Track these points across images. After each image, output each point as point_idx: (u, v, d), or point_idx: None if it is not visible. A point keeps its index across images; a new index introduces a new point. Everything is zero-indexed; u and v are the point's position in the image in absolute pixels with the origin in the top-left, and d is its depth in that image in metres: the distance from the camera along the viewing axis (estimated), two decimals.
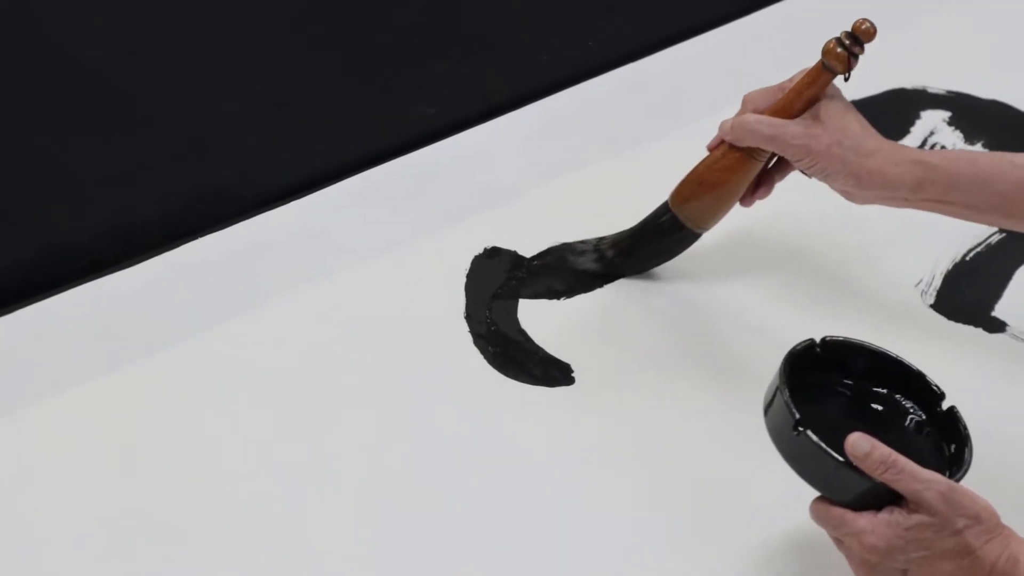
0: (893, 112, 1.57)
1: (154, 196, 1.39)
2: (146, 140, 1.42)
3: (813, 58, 1.15)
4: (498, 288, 1.32)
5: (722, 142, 1.20)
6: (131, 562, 1.06)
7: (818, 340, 1.03)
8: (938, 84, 1.61)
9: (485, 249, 1.36)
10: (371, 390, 1.21)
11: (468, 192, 1.44)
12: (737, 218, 1.25)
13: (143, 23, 1.54)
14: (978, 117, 1.57)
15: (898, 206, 1.17)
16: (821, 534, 0.99)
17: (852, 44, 1.14)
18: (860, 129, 1.14)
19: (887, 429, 1.00)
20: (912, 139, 1.53)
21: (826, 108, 1.14)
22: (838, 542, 0.97)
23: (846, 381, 1.05)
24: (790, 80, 1.18)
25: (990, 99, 1.59)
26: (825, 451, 0.93)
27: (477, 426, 1.19)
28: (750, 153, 1.19)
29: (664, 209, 1.26)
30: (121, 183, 1.38)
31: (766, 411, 0.98)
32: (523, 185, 1.45)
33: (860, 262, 1.37)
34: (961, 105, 1.58)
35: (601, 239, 1.33)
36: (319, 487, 1.12)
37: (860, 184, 1.13)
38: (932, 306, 1.32)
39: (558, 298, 1.31)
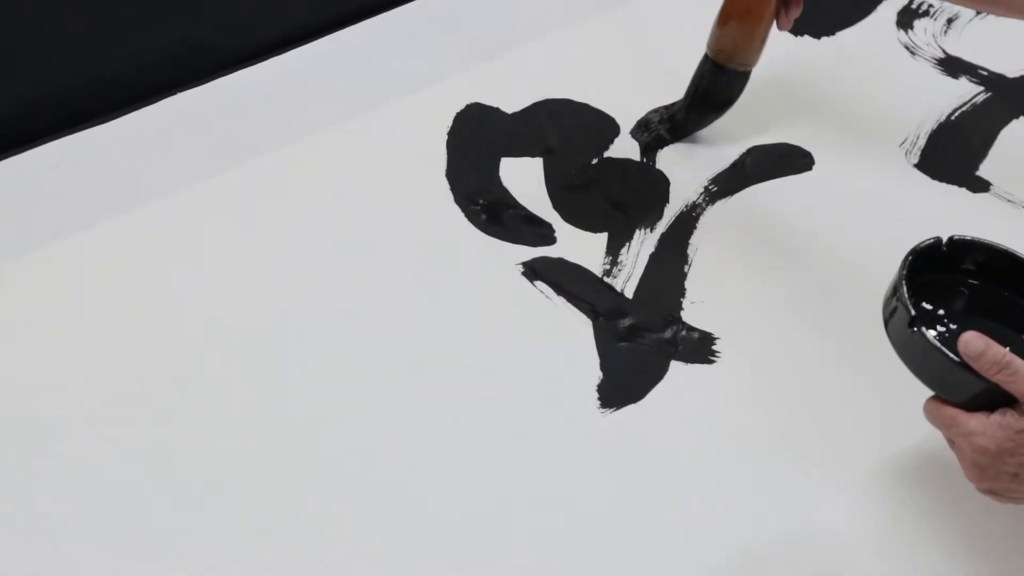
0: None
1: (134, 50, 1.38)
2: None
3: None
4: (481, 145, 1.32)
5: None
6: (121, 416, 1.07)
7: (944, 239, 0.98)
8: None
9: (467, 106, 1.35)
10: (351, 248, 1.21)
11: (451, 49, 1.43)
12: None
13: None
14: None
15: None
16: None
17: None
18: None
19: (1009, 331, 0.96)
20: None
21: None
22: (950, 443, 0.93)
23: (971, 281, 0.99)
24: None
25: None
26: (939, 350, 0.89)
27: (458, 282, 1.19)
28: None
29: (703, 60, 1.28)
30: (102, 36, 1.36)
31: (884, 308, 0.95)
32: (506, 42, 1.44)
33: (844, 121, 1.36)
34: None
35: (665, 108, 1.34)
36: (297, 337, 1.13)
37: None
38: (916, 165, 1.32)
39: (541, 156, 1.31)
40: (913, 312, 0.91)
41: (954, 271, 0.98)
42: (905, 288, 0.92)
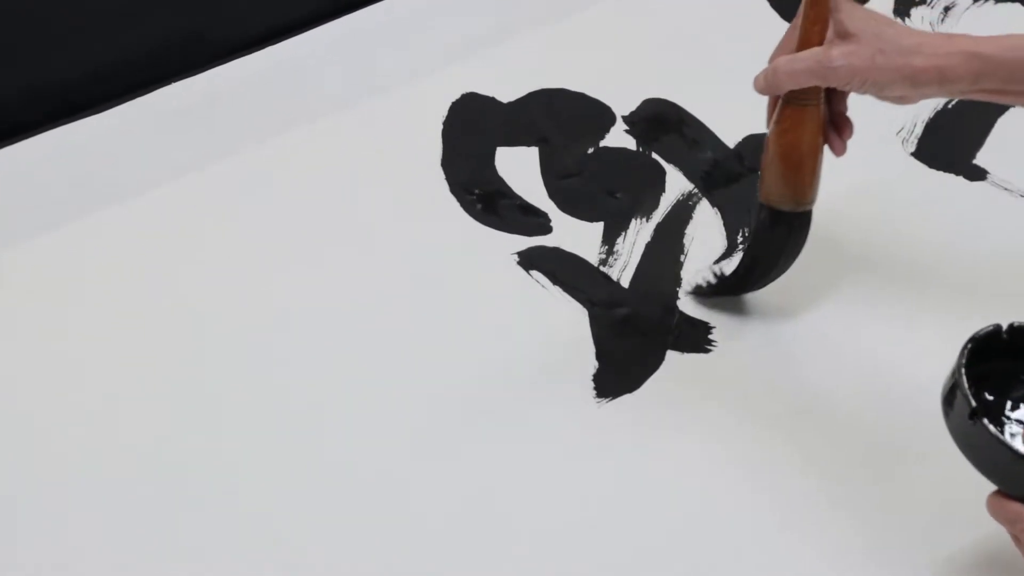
0: None
1: (130, 39, 1.38)
2: None
3: None
4: (477, 135, 1.31)
5: (773, 109, 1.08)
6: (115, 410, 1.07)
7: (1004, 326, 0.94)
8: None
9: (463, 96, 1.35)
10: (346, 238, 1.21)
11: (447, 38, 1.43)
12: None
13: None
14: None
15: (955, 96, 1.07)
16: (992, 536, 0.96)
17: None
18: (893, 29, 1.03)
19: None
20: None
21: (849, 19, 1.01)
22: (1015, 539, 0.90)
23: None
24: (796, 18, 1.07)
25: None
26: (1001, 442, 0.87)
27: (453, 272, 1.19)
28: (801, 102, 1.05)
29: (759, 208, 1.11)
30: (97, 26, 1.36)
31: (943, 399, 0.92)
32: (502, 31, 1.44)
33: None
34: None
35: (718, 264, 1.21)
36: (294, 326, 1.13)
37: (916, 84, 1.01)
38: (913, 154, 1.31)
39: (537, 145, 1.31)
40: (974, 403, 0.88)
41: (1015, 358, 0.95)
42: (964, 378, 0.89)
